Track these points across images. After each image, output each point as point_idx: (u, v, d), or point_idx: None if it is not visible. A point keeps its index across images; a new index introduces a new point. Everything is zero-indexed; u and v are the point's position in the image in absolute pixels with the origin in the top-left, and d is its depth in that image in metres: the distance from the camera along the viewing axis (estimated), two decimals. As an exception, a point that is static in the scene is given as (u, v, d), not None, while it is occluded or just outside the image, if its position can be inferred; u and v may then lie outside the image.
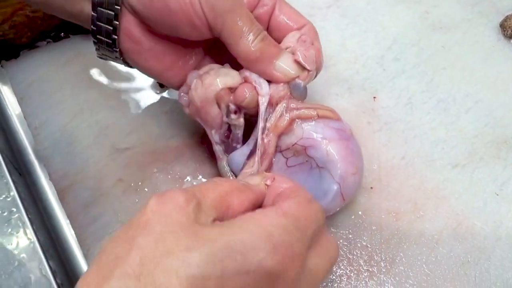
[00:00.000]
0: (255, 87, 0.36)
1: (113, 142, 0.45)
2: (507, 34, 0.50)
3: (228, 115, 0.37)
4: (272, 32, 0.38)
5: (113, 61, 0.40)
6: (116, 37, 0.36)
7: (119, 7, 0.34)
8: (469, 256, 0.39)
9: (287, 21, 0.38)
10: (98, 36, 0.37)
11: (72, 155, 0.45)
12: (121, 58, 0.38)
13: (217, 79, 0.36)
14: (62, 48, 0.51)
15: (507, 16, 0.51)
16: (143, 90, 0.48)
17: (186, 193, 0.26)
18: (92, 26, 0.36)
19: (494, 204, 0.41)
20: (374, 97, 0.47)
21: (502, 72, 0.49)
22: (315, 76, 0.38)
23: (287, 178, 0.32)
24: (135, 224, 0.25)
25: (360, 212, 0.41)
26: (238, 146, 0.38)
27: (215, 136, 0.39)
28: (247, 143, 0.38)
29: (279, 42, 0.37)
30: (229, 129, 0.38)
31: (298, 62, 0.36)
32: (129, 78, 0.49)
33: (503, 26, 0.51)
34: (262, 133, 0.36)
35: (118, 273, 0.23)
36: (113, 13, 0.35)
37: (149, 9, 0.34)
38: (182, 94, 0.39)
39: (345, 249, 0.39)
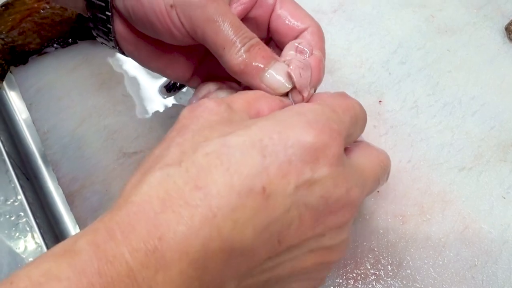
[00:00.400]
0: None
1: (121, 147, 0.46)
2: (511, 38, 0.51)
3: None
4: (273, 34, 0.36)
5: (112, 49, 0.38)
6: (110, 26, 0.35)
7: (110, 13, 0.34)
8: (476, 259, 0.39)
9: (289, 23, 0.34)
10: (95, 23, 0.36)
11: (81, 159, 0.45)
12: (118, 48, 0.37)
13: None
14: (70, 53, 0.52)
15: (511, 19, 0.51)
16: (150, 95, 0.49)
17: (215, 99, 0.27)
18: (89, 14, 0.35)
19: (501, 207, 0.41)
20: (380, 101, 0.47)
21: (507, 75, 0.49)
22: (314, 90, 0.34)
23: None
24: (171, 132, 0.26)
25: (366, 216, 0.41)
26: None
27: None
28: None
29: (282, 47, 0.35)
30: None
31: (290, 76, 0.31)
32: (136, 83, 0.50)
33: (508, 29, 0.51)
34: None
35: (159, 165, 0.24)
36: (105, 17, 0.34)
37: (133, 17, 0.33)
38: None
39: (351, 252, 0.39)
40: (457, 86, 0.48)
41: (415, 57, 0.50)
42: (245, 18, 0.35)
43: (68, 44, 0.52)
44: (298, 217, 0.25)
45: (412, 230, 0.40)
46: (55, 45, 0.51)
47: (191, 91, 0.49)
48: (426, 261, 0.39)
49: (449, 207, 0.41)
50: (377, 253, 0.39)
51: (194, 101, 0.37)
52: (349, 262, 0.39)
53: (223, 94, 0.35)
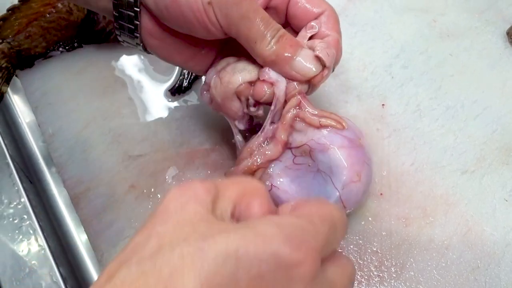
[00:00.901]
0: (272, 84, 0.36)
1: (126, 149, 0.46)
2: (514, 42, 0.51)
3: (248, 108, 0.38)
4: (291, 19, 0.38)
5: (134, 47, 0.39)
6: (138, 23, 0.36)
7: (138, 9, 0.35)
8: (479, 261, 0.39)
9: (306, 7, 0.37)
10: (120, 21, 0.36)
11: (86, 162, 0.46)
12: (141, 45, 0.38)
13: (234, 76, 0.37)
14: (76, 57, 0.52)
15: (514, 24, 0.52)
16: (155, 98, 0.49)
17: (206, 184, 0.26)
18: (114, 13, 0.36)
19: (503, 210, 0.41)
20: (383, 104, 0.47)
21: (509, 78, 0.49)
22: (333, 70, 0.38)
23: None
24: (155, 214, 0.26)
25: (370, 218, 0.41)
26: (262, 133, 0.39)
27: (239, 125, 0.39)
28: (259, 132, 0.38)
29: (299, 30, 0.38)
30: (251, 118, 0.39)
31: (318, 59, 0.35)
32: (141, 86, 0.50)
33: (509, 34, 0.51)
34: (271, 122, 0.37)
35: (136, 258, 0.24)
36: (133, 13, 0.35)
37: (166, 15, 0.34)
38: (204, 92, 0.40)
39: (355, 255, 0.39)
40: (459, 90, 0.48)
41: (418, 61, 0.51)
42: (267, 7, 0.38)
43: (74, 48, 0.52)
44: None
45: (415, 232, 0.40)
46: (60, 48, 0.52)
47: (195, 94, 0.49)
48: (429, 263, 0.39)
49: (452, 210, 0.41)
50: (380, 255, 0.39)
51: (212, 74, 0.38)
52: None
53: (241, 66, 0.37)
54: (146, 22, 0.36)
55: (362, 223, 0.41)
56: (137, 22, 0.36)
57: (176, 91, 0.49)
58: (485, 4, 0.55)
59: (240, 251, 0.23)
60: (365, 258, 0.39)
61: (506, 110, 0.47)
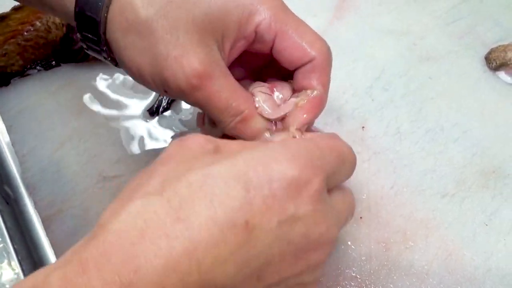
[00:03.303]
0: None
1: (101, 170, 0.45)
2: (492, 67, 0.51)
3: None
4: (278, 63, 0.34)
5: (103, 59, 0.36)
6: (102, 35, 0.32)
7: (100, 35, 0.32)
8: (459, 287, 0.38)
9: (290, 57, 0.33)
10: (83, 33, 0.33)
11: (59, 182, 0.45)
12: (109, 59, 0.35)
13: None
14: (53, 76, 0.51)
15: (491, 49, 0.52)
16: (133, 118, 0.48)
17: (207, 137, 0.27)
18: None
19: (483, 234, 0.41)
20: (363, 127, 0.47)
21: (488, 102, 0.49)
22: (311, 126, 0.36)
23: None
24: (156, 161, 0.26)
25: (349, 242, 0.40)
26: None
27: None
28: None
29: (287, 73, 0.34)
30: None
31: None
32: (119, 106, 0.49)
33: (488, 59, 0.52)
34: None
35: (140, 193, 0.23)
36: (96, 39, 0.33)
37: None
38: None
39: (333, 280, 0.38)
40: (439, 113, 0.48)
41: (398, 84, 0.51)
42: (245, 51, 0.34)
43: (51, 67, 0.51)
44: (279, 254, 0.24)
45: (395, 257, 0.40)
46: (38, 67, 0.51)
47: (174, 115, 0.49)
48: (409, 289, 0.38)
49: (432, 234, 0.41)
50: (359, 280, 0.38)
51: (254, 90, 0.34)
52: (331, 290, 0.38)
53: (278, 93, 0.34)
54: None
55: (342, 247, 0.40)
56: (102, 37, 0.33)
57: (154, 111, 0.49)
58: (465, 29, 0.55)
59: (249, 173, 0.23)
60: (343, 284, 0.38)
61: (486, 134, 0.47)
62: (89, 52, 0.36)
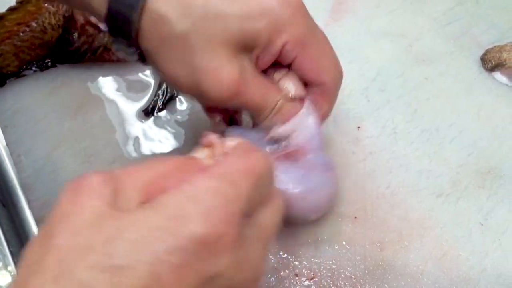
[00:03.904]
0: None
1: (97, 170, 0.45)
2: (487, 67, 0.51)
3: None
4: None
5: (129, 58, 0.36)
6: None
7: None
8: (454, 287, 0.38)
9: (305, 76, 0.35)
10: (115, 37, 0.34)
11: (54, 183, 0.44)
12: (138, 59, 0.36)
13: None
14: (49, 77, 0.51)
15: (487, 50, 0.52)
16: (128, 118, 0.48)
17: (102, 175, 0.23)
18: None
19: (479, 234, 0.41)
20: (359, 127, 0.47)
21: (484, 103, 0.49)
22: None
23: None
24: (51, 221, 0.22)
25: (344, 242, 0.40)
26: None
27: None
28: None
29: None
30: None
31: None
32: (114, 106, 0.49)
33: (483, 59, 0.52)
34: None
35: (34, 280, 0.21)
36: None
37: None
38: None
39: (328, 280, 0.38)
40: (435, 114, 0.48)
41: (394, 85, 0.51)
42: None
43: (47, 68, 0.51)
44: None
45: (390, 257, 0.39)
46: (33, 68, 0.51)
47: (169, 116, 0.49)
48: (404, 289, 0.38)
49: (428, 234, 0.41)
50: (354, 280, 0.38)
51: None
52: (326, 290, 0.38)
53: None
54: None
55: (336, 247, 0.40)
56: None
57: (150, 111, 0.49)
58: (460, 30, 0.56)
59: (155, 245, 0.21)
60: (338, 284, 0.38)
61: (482, 134, 0.47)
62: (118, 54, 0.36)
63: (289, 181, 0.34)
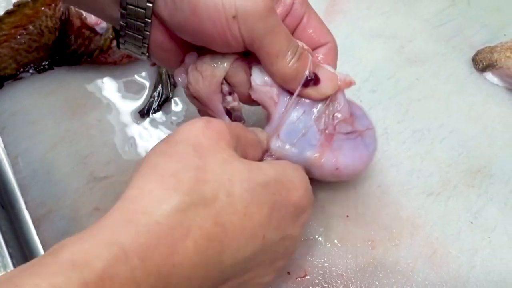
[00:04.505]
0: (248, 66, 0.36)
1: (92, 171, 0.46)
2: (479, 68, 0.52)
3: (223, 99, 0.36)
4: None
5: (137, 55, 0.38)
6: (148, 32, 0.34)
7: (149, 20, 0.33)
8: (444, 284, 0.38)
9: (312, 36, 0.37)
10: (127, 31, 0.35)
11: (50, 183, 0.45)
12: (147, 55, 0.37)
13: (217, 69, 0.35)
14: (46, 79, 0.52)
15: (478, 50, 0.53)
16: (124, 120, 0.49)
17: (230, 128, 0.31)
18: (121, 22, 0.35)
19: (468, 232, 0.41)
20: (351, 127, 0.48)
21: (475, 103, 0.50)
22: None
23: None
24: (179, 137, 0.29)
25: (335, 241, 0.41)
26: (242, 121, 0.38)
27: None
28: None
29: None
30: (229, 112, 0.38)
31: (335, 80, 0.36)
32: (110, 108, 0.50)
33: (475, 60, 0.53)
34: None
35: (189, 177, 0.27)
36: (143, 24, 0.34)
37: (183, 28, 0.33)
38: (180, 75, 0.37)
39: (320, 278, 0.39)
40: (426, 114, 0.49)
41: (386, 86, 0.51)
42: None
43: (44, 70, 0.52)
44: (265, 258, 0.30)
45: (381, 255, 0.40)
46: (31, 70, 0.52)
47: (164, 117, 0.49)
48: (394, 286, 0.38)
49: (418, 232, 0.41)
50: (345, 278, 0.39)
51: (192, 56, 0.37)
52: (317, 287, 0.38)
53: (217, 58, 0.36)
54: (156, 34, 0.35)
55: (328, 245, 0.41)
56: (147, 32, 0.34)
57: (145, 113, 0.49)
58: (452, 32, 0.56)
59: (276, 195, 0.30)
60: (330, 281, 0.39)
61: (472, 134, 0.48)
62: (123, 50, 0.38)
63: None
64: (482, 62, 0.52)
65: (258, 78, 0.36)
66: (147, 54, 0.36)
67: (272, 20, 0.32)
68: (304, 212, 0.32)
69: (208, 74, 0.35)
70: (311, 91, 0.35)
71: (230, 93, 0.36)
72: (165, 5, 0.32)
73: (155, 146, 0.29)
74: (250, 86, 0.36)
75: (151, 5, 0.32)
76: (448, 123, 0.48)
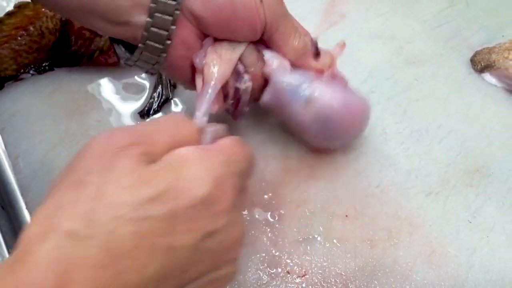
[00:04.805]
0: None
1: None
2: (477, 69, 0.52)
3: (240, 79, 0.39)
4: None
5: (145, 68, 0.39)
6: (169, 42, 0.36)
7: (178, 12, 0.35)
8: (443, 283, 0.39)
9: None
10: (148, 41, 0.36)
11: (50, 184, 0.45)
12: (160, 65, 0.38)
13: (235, 51, 0.38)
14: (46, 80, 0.52)
15: (476, 51, 0.53)
16: (124, 120, 0.49)
17: (132, 134, 0.28)
18: (143, 32, 0.36)
19: (467, 231, 0.41)
20: (350, 128, 0.48)
21: (473, 103, 0.50)
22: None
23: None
24: (80, 165, 0.27)
25: (335, 240, 0.41)
26: (247, 109, 0.41)
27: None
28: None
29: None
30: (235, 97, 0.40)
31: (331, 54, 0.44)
32: (110, 108, 0.50)
33: (473, 61, 0.53)
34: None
35: (65, 217, 0.24)
36: (171, 18, 0.35)
37: (216, 16, 0.36)
38: (200, 57, 0.38)
39: (319, 277, 0.39)
40: (424, 114, 0.49)
41: (385, 86, 0.52)
42: None
43: (45, 71, 0.52)
44: (199, 260, 0.28)
45: (379, 254, 0.40)
46: (31, 71, 0.52)
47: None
48: (393, 286, 0.39)
49: (417, 231, 0.41)
50: (344, 277, 0.39)
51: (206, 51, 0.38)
52: (317, 287, 0.39)
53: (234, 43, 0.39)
54: (182, 29, 0.36)
55: (327, 245, 0.41)
56: (164, 54, 0.37)
57: (145, 113, 0.49)
58: (450, 33, 0.56)
59: (169, 196, 0.26)
60: (329, 281, 0.39)
61: (470, 134, 0.48)
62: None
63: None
64: (481, 63, 0.52)
65: (270, 56, 0.40)
66: (161, 64, 0.38)
67: (284, 5, 0.38)
68: (220, 201, 0.28)
69: (227, 56, 0.38)
70: (315, 63, 0.41)
71: (246, 72, 0.39)
72: None
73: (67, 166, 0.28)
74: (264, 63, 0.40)
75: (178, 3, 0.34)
76: (447, 123, 0.49)
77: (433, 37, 0.56)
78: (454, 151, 0.46)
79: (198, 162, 0.28)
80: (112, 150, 0.27)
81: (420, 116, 0.49)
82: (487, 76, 0.52)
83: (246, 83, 0.39)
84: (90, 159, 0.27)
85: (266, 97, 0.41)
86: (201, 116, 0.35)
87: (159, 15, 0.35)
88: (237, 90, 0.39)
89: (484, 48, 0.54)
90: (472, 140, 0.47)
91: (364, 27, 0.57)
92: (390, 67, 0.53)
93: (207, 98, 0.36)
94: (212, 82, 0.37)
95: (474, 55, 0.53)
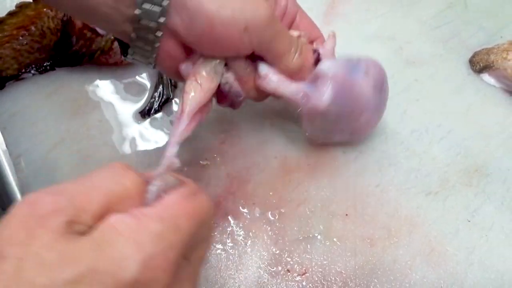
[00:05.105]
0: None
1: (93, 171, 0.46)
2: (475, 69, 0.53)
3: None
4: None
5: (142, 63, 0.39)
6: (157, 46, 0.36)
7: (160, 33, 0.35)
8: (442, 281, 0.39)
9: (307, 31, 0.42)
10: (136, 43, 0.36)
11: (52, 183, 0.45)
12: (153, 65, 0.38)
13: (214, 81, 0.37)
14: (47, 80, 0.52)
15: (475, 52, 0.54)
16: (125, 120, 0.50)
17: (57, 201, 0.24)
18: (132, 35, 0.35)
19: (466, 230, 0.42)
20: (350, 127, 0.48)
21: (472, 104, 0.50)
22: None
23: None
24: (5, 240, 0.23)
25: (335, 239, 0.41)
26: (241, 98, 0.40)
27: None
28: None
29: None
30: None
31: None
32: (111, 108, 0.50)
33: (472, 62, 0.53)
34: None
35: None
36: (154, 38, 0.35)
37: (198, 41, 0.35)
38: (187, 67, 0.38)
39: (319, 275, 0.39)
40: (424, 114, 0.50)
41: (384, 87, 0.52)
42: None
43: (46, 71, 0.52)
44: None
45: (379, 253, 0.40)
46: (32, 71, 0.52)
47: (165, 117, 0.50)
48: (393, 284, 0.39)
49: (416, 231, 0.42)
50: (344, 276, 0.39)
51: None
52: (316, 285, 0.39)
53: (214, 66, 0.37)
54: (167, 45, 0.36)
55: (327, 243, 0.41)
56: (156, 45, 0.35)
57: (146, 113, 0.50)
58: (450, 34, 0.57)
59: (94, 286, 0.22)
60: (329, 279, 0.39)
61: (469, 134, 0.48)
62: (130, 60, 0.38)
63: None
64: (479, 64, 0.53)
65: (265, 69, 0.39)
66: (153, 64, 0.37)
67: (275, 26, 0.36)
68: (151, 285, 0.23)
69: (206, 86, 0.37)
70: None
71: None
72: (181, 21, 0.34)
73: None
74: (258, 76, 0.39)
75: (163, 20, 0.34)
76: (446, 123, 0.49)
77: (432, 38, 0.57)
78: (453, 151, 0.47)
79: (127, 237, 0.23)
80: (34, 218, 0.23)
81: (419, 116, 0.49)
82: (485, 77, 0.53)
83: (227, 80, 0.38)
84: (13, 227, 0.23)
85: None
86: (174, 145, 0.34)
87: (143, 35, 0.35)
88: (223, 89, 0.39)
89: (483, 49, 0.54)
90: (471, 140, 0.48)
91: (363, 28, 0.57)
92: (389, 67, 0.53)
93: (180, 131, 0.35)
94: (188, 110, 0.36)
95: (473, 56, 0.54)
